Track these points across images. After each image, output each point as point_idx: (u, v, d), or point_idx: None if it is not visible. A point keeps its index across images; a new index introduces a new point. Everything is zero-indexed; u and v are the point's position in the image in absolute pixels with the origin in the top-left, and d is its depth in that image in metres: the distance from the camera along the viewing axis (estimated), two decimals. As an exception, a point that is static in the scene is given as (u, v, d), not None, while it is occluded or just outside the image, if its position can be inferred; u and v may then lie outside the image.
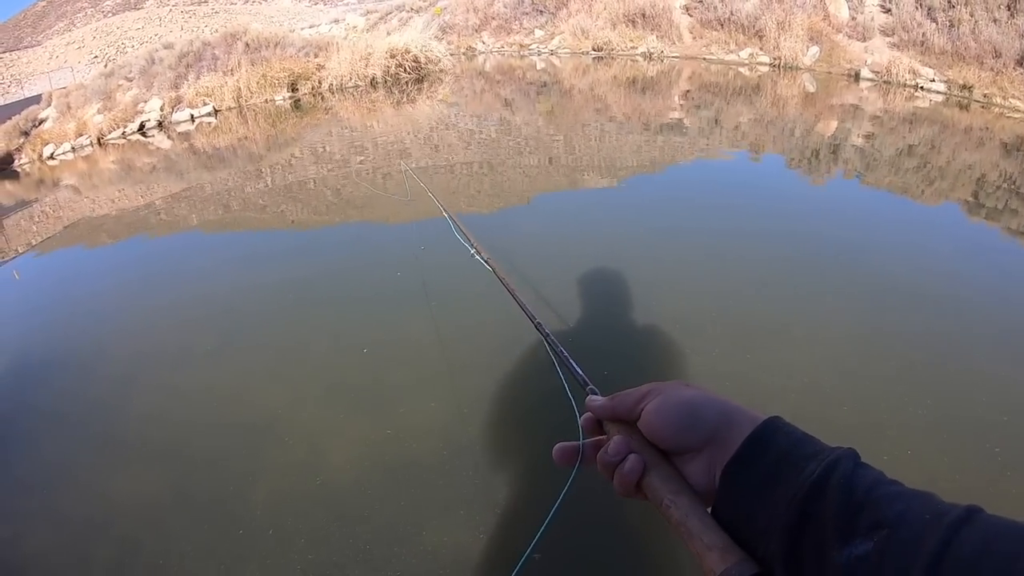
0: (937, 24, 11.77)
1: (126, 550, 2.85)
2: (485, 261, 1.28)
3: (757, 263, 4.83)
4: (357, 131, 11.37)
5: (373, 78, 14.41)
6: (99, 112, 13.88)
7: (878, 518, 0.47)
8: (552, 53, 17.15)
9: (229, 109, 13.94)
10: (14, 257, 7.68)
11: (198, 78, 14.28)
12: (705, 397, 0.62)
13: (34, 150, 13.41)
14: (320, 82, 14.41)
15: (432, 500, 2.89)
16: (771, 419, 0.58)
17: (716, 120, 9.79)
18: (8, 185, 12.08)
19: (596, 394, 0.71)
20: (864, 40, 12.67)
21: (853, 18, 13.14)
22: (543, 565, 2.48)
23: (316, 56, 14.77)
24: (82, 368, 4.57)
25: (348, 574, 2.56)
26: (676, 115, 10.30)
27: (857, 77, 11.77)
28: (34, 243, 8.14)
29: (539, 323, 0.93)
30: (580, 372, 0.79)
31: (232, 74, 14.01)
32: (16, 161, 13.38)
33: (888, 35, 12.44)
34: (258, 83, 13.89)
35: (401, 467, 3.09)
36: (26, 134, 14.09)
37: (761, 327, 3.93)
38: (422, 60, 14.77)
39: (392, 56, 14.26)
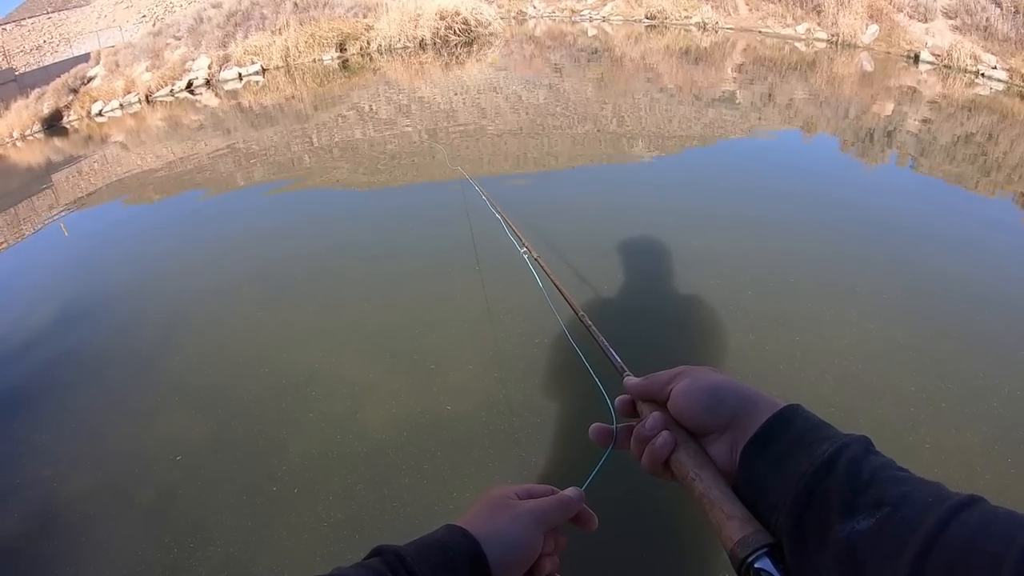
0: (1002, 10, 11.20)
1: (163, 496, 2.86)
2: (536, 259, 1.28)
3: (802, 246, 4.70)
4: (405, 92, 11.17)
5: (422, 40, 14.22)
6: (147, 70, 13.87)
7: (881, 497, 0.48)
8: (604, 19, 16.85)
9: (277, 68, 13.90)
10: (62, 212, 7.68)
11: (246, 37, 14.20)
12: (729, 383, 0.64)
13: (82, 107, 13.51)
14: (369, 42, 14.25)
15: (461, 466, 2.84)
16: (791, 405, 0.60)
17: (769, 95, 9.43)
18: (57, 141, 12.21)
19: (632, 376, 0.74)
20: (925, 21, 12.14)
21: None
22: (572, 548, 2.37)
23: (365, 16, 14.57)
24: (125, 319, 4.57)
25: (373, 534, 2.53)
26: (729, 88, 9.96)
27: (916, 59, 11.25)
28: (82, 198, 8.13)
29: (582, 315, 0.95)
30: (618, 359, 0.81)
31: (280, 33, 13.92)
32: (64, 118, 13.52)
33: (951, 18, 11.87)
34: (306, 42, 13.79)
35: (434, 430, 3.04)
36: (75, 91, 14.20)
37: (802, 312, 3.81)
38: (472, 23, 14.54)
39: (441, 18, 14.04)
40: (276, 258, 5.12)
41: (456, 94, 10.69)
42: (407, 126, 8.81)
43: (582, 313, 0.95)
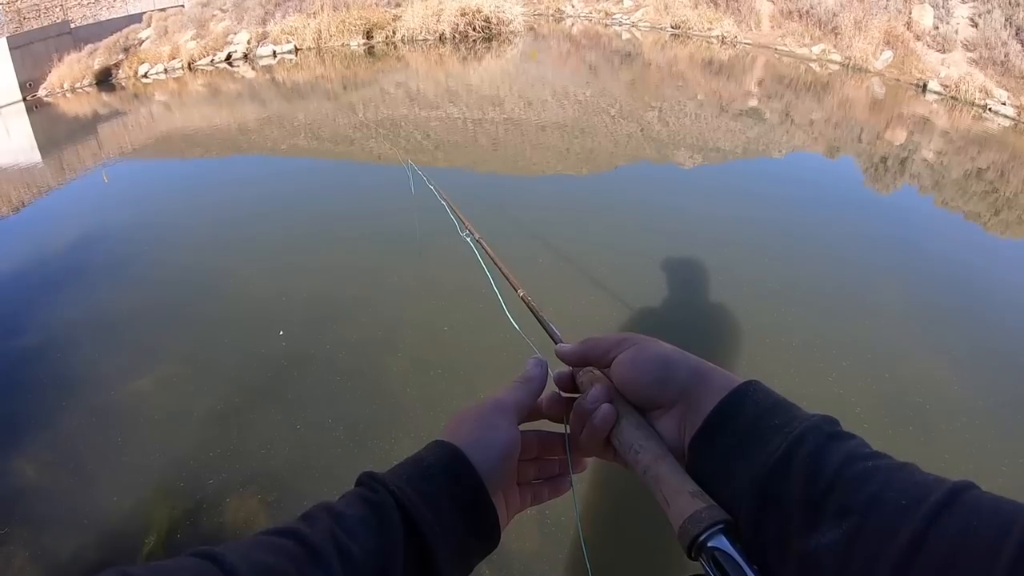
0: (1023, 46, 11.22)
1: (154, 451, 3.39)
2: (478, 241, 1.27)
3: (814, 267, 5.04)
4: (454, 80, 11.93)
5: (442, 33, 14.90)
6: (192, 39, 14.82)
7: (847, 502, 0.44)
8: (633, 25, 17.11)
9: (309, 49, 14.67)
10: (105, 161, 8.60)
11: (284, 17, 15.10)
12: (681, 354, 0.60)
13: (131, 67, 14.36)
14: (394, 32, 15.04)
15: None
16: (743, 384, 0.55)
17: (787, 113, 9.89)
18: (105, 96, 13.12)
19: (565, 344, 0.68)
20: (943, 52, 12.12)
21: (936, 27, 12.51)
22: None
23: (398, 6, 15.40)
24: (131, 276, 5.22)
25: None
26: (753, 104, 10.42)
27: (924, 88, 11.28)
28: (125, 151, 9.05)
29: (523, 294, 0.90)
30: (554, 329, 0.76)
31: (315, 17, 14.77)
32: (114, 75, 14.36)
33: (970, 50, 11.84)
34: (337, 27, 14.62)
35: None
36: (126, 51, 15.09)
37: (816, 335, 4.09)
38: (493, 20, 15.18)
39: (463, 14, 14.75)
40: (287, 227, 5.86)
41: (502, 85, 11.42)
42: (451, 108, 9.52)
43: (523, 292, 0.90)
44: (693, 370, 0.58)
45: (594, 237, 5.46)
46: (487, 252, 1.17)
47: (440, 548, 0.53)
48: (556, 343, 0.70)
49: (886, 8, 13.18)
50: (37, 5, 16.89)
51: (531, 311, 0.82)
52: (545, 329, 0.77)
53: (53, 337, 4.45)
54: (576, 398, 0.64)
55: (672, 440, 0.57)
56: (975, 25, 12.18)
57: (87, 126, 11.01)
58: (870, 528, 0.42)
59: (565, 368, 0.68)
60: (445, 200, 1.59)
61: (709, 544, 0.48)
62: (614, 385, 0.62)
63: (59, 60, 14.40)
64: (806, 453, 0.47)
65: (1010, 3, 11.88)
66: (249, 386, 3.81)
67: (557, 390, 0.67)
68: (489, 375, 3.73)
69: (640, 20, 17.20)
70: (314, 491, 3.05)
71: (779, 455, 0.48)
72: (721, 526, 0.48)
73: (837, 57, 13.30)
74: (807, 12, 14.42)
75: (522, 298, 0.88)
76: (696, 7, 16.06)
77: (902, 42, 12.70)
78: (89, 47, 15.01)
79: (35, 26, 15.35)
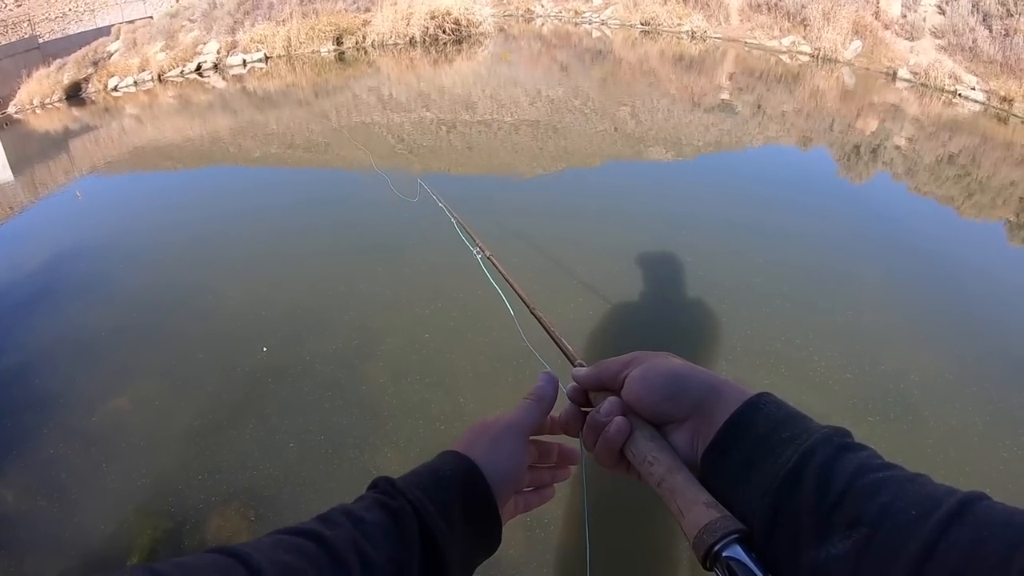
0: (991, 32, 11.39)
1: (135, 471, 3.43)
2: (488, 258, 1.27)
3: (792, 258, 5.10)
4: (425, 83, 11.99)
5: (412, 37, 14.91)
6: (162, 50, 14.68)
7: (858, 513, 0.44)
8: (603, 23, 17.24)
9: (279, 57, 14.61)
10: (77, 177, 8.51)
11: (253, 25, 14.98)
12: (691, 369, 0.60)
13: (100, 81, 14.11)
14: (364, 37, 15.03)
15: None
16: (755, 397, 0.55)
17: (759, 106, 10.04)
18: (76, 111, 12.94)
19: (583, 366, 0.69)
20: (912, 40, 12.36)
21: (904, 16, 12.74)
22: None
23: (368, 11, 15.35)
24: (107, 294, 5.22)
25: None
26: (725, 98, 10.58)
27: (894, 76, 11.54)
28: (98, 166, 9.00)
29: (534, 308, 0.91)
30: (570, 348, 0.76)
31: (284, 24, 14.68)
32: (83, 90, 14.11)
33: (938, 37, 12.07)
34: (307, 34, 14.57)
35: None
36: (95, 64, 14.89)
37: (790, 337, 4.11)
38: (463, 23, 15.21)
39: (432, 17, 14.75)
40: (262, 240, 5.84)
41: (475, 86, 11.44)
42: (425, 110, 9.54)
43: (534, 306, 0.91)
44: (705, 384, 0.58)
45: (569, 234, 5.53)
46: (499, 270, 1.13)
47: (452, 558, 0.54)
48: (573, 363, 0.72)
49: (855, -1, 13.32)
50: (4, 21, 16.64)
51: (546, 330, 0.83)
52: (561, 349, 0.78)
53: (30, 359, 4.42)
54: (590, 411, 0.64)
55: (686, 453, 0.57)
56: (942, 12, 12.44)
57: (58, 142, 10.88)
58: (880, 539, 0.42)
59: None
60: (455, 217, 1.58)
61: (724, 554, 0.48)
62: (627, 404, 0.61)
63: (28, 76, 14.10)
64: (817, 465, 0.47)
65: (977, -11, 12.06)
66: (229, 402, 3.82)
67: (573, 404, 0.68)
68: (469, 381, 3.76)
69: (610, 18, 17.35)
70: (296, 505, 3.06)
71: (790, 467, 0.48)
72: (736, 535, 0.49)
73: (807, 48, 13.51)
74: (776, 5, 14.61)
75: (537, 317, 0.88)
76: (665, 3, 16.19)
77: (871, 31, 12.93)
78: (58, 62, 14.76)
79: (2, 42, 15.07)
